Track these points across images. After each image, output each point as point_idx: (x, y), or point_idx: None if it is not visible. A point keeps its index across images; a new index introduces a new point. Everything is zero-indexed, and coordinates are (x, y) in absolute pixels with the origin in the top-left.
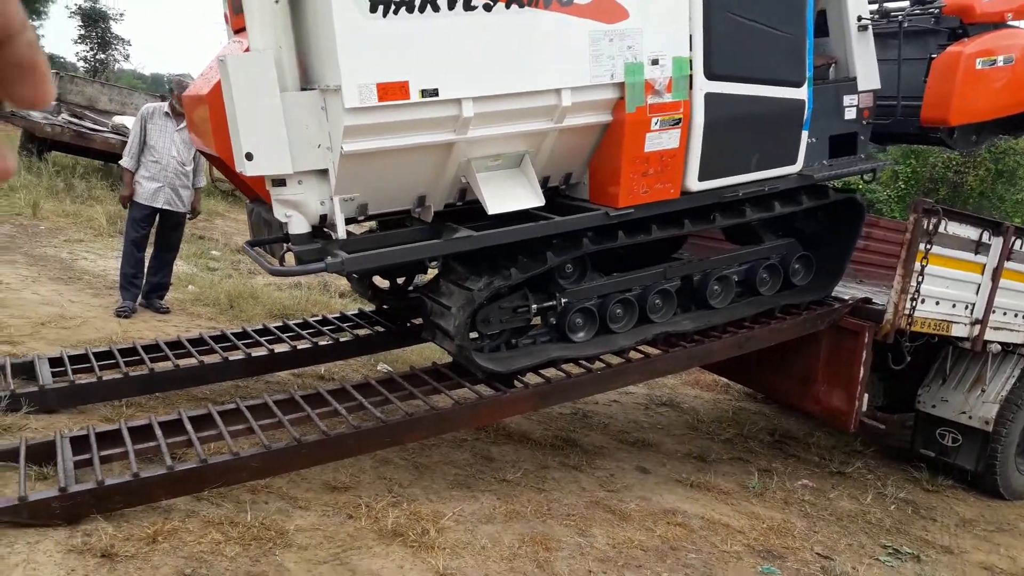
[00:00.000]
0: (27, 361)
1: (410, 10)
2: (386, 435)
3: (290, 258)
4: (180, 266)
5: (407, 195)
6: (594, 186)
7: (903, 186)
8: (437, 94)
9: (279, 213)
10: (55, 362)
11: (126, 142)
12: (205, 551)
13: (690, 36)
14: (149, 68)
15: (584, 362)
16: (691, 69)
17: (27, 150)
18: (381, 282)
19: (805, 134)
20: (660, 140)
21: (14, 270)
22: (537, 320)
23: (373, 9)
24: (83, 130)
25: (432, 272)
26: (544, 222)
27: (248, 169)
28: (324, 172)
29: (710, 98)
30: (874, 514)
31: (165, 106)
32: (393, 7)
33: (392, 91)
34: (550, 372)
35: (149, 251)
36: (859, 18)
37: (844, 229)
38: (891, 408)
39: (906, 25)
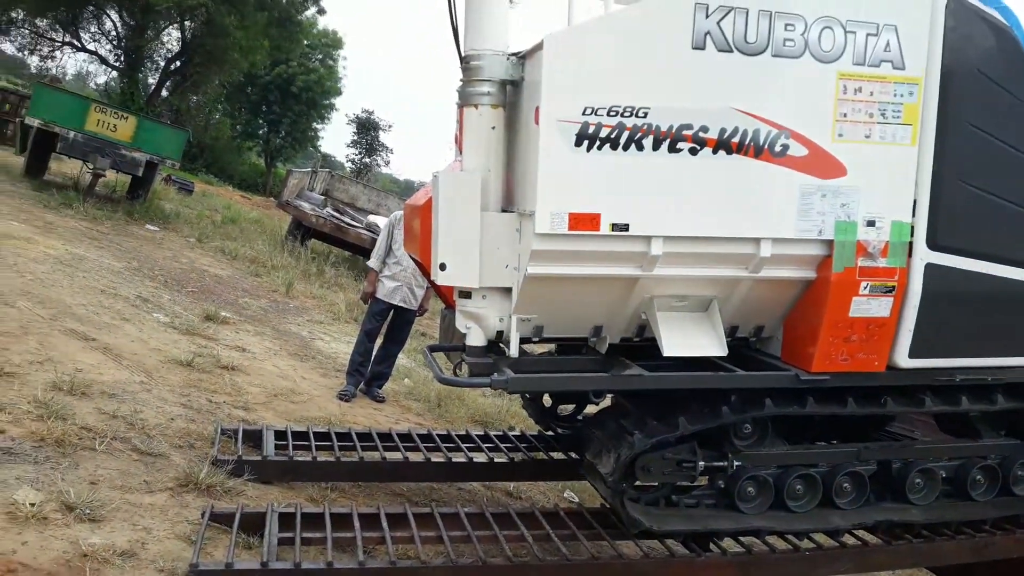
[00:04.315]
0: (257, 430)
1: (614, 147)
2: (569, 574)
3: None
4: (400, 359)
5: (584, 323)
6: (787, 344)
7: None
8: (627, 229)
9: (460, 323)
10: (280, 435)
11: (375, 239)
12: None
13: (914, 201)
14: (404, 174)
15: (792, 538)
16: (912, 236)
17: (293, 236)
18: (565, 407)
19: None
20: (868, 306)
21: (261, 341)
22: (703, 480)
23: (578, 143)
24: (342, 224)
25: (602, 404)
26: (724, 374)
27: (440, 278)
28: (508, 290)
29: (931, 269)
30: None
31: None
32: (598, 143)
33: (583, 222)
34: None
35: (378, 343)
36: None
37: None
38: None
39: None
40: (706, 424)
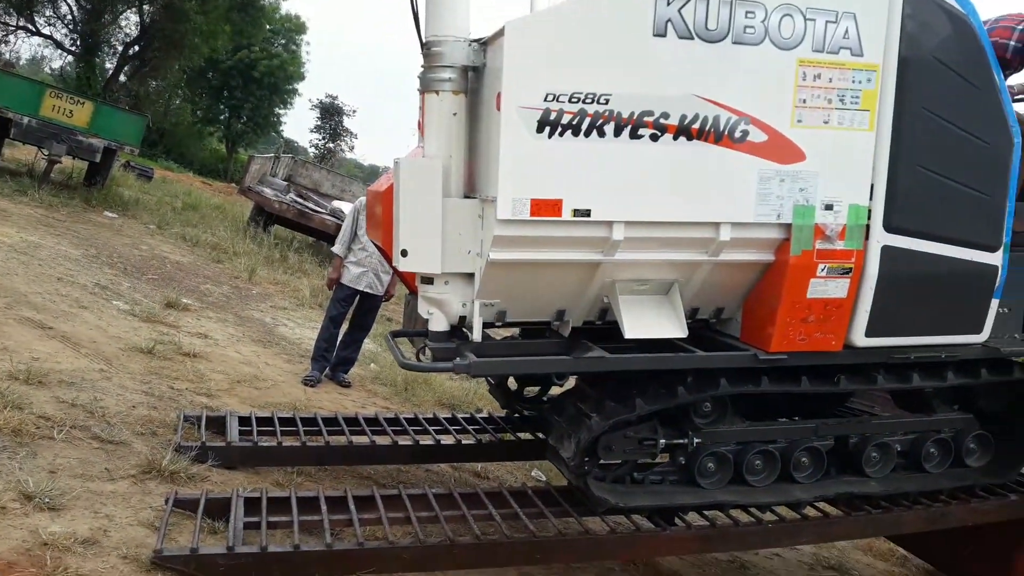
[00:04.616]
0: (220, 416)
1: (576, 133)
2: (536, 551)
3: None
4: (366, 344)
5: (547, 308)
6: (747, 325)
7: None
8: (589, 215)
9: (422, 309)
10: (244, 421)
11: (340, 224)
12: None
13: (872, 185)
14: (368, 160)
15: (755, 511)
16: (869, 219)
17: (255, 222)
18: (531, 389)
19: (995, 303)
20: (826, 288)
21: (224, 328)
22: (663, 458)
23: (540, 130)
24: (305, 209)
25: (567, 386)
26: (684, 355)
27: (401, 264)
28: (470, 276)
29: (887, 251)
30: None
31: None
32: (560, 129)
33: (545, 208)
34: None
35: (343, 328)
36: None
37: None
38: None
39: None
40: (663, 404)
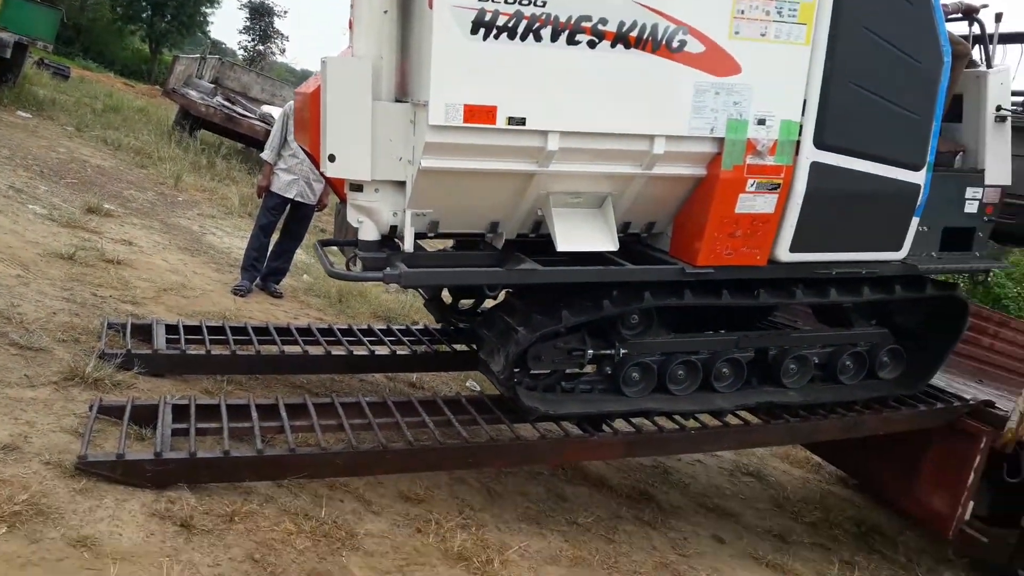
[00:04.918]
0: (146, 324)
1: (511, 36)
2: (468, 456)
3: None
4: (299, 255)
5: (480, 219)
6: (676, 239)
7: None
8: (524, 123)
9: (352, 217)
10: (171, 329)
11: (270, 131)
12: (276, 539)
13: (804, 101)
14: (301, 64)
15: (679, 418)
16: (800, 135)
17: (181, 126)
18: (466, 302)
19: (916, 221)
20: (754, 203)
21: (149, 235)
22: (591, 368)
23: (474, 31)
24: (233, 114)
25: (500, 299)
26: (614, 267)
27: (329, 170)
28: (401, 184)
29: (816, 168)
30: None
31: None
32: (495, 31)
33: (479, 114)
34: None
35: (274, 237)
36: (998, 108)
37: (945, 327)
38: (993, 520)
39: None
40: (589, 316)
